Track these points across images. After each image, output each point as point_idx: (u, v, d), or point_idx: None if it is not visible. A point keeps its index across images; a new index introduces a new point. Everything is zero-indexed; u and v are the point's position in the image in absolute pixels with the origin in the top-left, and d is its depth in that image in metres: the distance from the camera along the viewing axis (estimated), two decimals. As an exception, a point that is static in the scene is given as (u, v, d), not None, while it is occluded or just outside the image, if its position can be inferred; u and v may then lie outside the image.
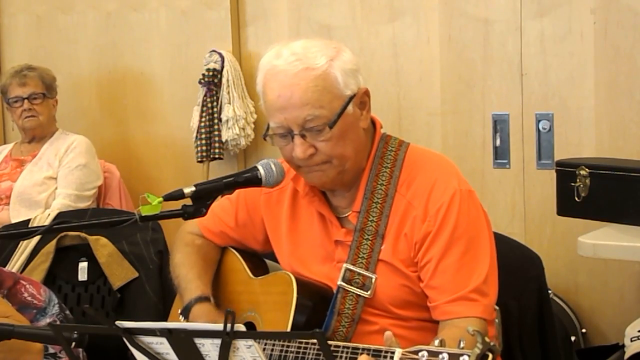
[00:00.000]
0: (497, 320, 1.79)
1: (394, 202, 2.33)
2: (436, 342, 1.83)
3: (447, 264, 2.25)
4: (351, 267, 2.32)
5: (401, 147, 2.39)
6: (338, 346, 2.11)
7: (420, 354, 1.82)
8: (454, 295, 2.22)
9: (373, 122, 2.42)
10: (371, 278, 2.31)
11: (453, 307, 2.22)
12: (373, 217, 2.33)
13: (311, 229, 2.44)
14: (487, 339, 1.72)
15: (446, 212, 2.27)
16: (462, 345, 1.78)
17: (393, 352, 1.89)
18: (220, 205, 2.59)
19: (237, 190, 2.60)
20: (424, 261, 2.28)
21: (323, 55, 2.28)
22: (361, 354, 2.04)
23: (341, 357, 2.09)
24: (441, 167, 2.37)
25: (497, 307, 1.89)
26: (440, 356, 1.79)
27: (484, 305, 2.23)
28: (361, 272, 2.31)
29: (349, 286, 2.32)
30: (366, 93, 2.34)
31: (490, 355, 1.73)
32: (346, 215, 2.38)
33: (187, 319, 2.45)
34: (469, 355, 1.75)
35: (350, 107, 2.29)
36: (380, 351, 1.99)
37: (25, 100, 4.37)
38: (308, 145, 2.27)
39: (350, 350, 2.09)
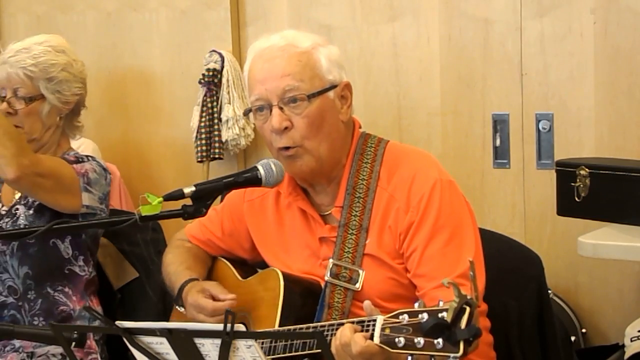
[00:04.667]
0: (471, 273, 1.82)
1: (375, 195, 2.36)
2: (416, 305, 1.88)
3: (433, 251, 2.29)
4: (337, 262, 2.34)
5: (380, 143, 2.44)
6: (324, 325, 2.15)
7: (401, 317, 1.88)
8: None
9: (352, 122, 2.46)
10: (358, 272, 2.33)
11: (440, 292, 2.21)
12: (356, 211, 2.36)
13: (295, 230, 2.47)
14: (463, 292, 1.77)
15: (428, 202, 2.31)
16: (440, 304, 1.83)
17: (375, 320, 1.93)
18: (207, 215, 2.61)
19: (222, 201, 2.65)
20: (409, 251, 2.32)
21: (310, 40, 2.37)
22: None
23: (327, 335, 2.12)
24: (421, 160, 2.41)
25: (471, 260, 1.89)
26: (420, 316, 1.84)
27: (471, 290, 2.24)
28: (347, 266, 2.34)
29: (336, 280, 2.34)
30: (347, 87, 2.39)
31: (468, 308, 1.77)
32: (329, 212, 2.42)
33: (181, 305, 2.46)
34: (447, 310, 1.79)
35: (331, 94, 2.35)
36: (363, 321, 2.01)
37: None
38: (285, 117, 2.32)
39: (335, 327, 2.11)
